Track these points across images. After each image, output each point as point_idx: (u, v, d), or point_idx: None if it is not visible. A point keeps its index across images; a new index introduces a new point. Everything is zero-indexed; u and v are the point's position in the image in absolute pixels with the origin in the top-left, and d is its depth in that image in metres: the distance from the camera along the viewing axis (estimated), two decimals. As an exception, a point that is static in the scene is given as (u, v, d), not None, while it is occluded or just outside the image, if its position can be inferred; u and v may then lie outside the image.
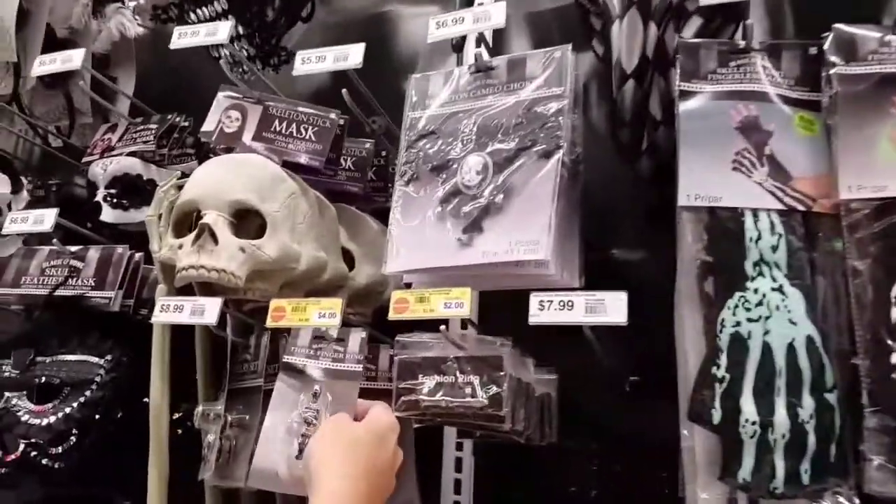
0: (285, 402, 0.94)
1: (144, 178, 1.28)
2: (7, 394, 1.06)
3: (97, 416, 1.05)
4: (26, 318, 1.12)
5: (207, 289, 1.03)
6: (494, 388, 0.83)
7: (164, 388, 1.04)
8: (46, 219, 1.09)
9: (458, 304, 0.79)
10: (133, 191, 1.28)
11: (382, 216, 1.30)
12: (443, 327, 0.85)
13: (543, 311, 0.75)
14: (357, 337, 0.95)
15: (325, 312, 0.89)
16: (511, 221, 0.83)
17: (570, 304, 0.75)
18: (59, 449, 1.04)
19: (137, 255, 1.19)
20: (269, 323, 0.92)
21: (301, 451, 0.89)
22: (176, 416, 1.07)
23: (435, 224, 0.88)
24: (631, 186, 1.15)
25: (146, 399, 1.13)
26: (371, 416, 0.84)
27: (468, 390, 0.84)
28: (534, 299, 0.77)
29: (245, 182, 1.04)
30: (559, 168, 0.83)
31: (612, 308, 0.74)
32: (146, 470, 1.08)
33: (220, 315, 0.94)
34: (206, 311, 0.94)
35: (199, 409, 0.98)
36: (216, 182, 1.04)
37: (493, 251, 0.81)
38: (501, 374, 0.84)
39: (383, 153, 1.36)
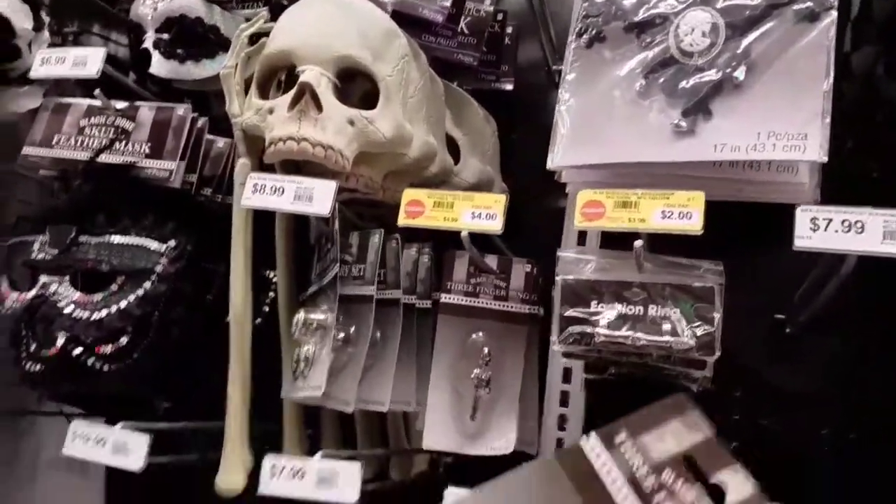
0: (447, 354, 0.82)
1: (206, 22, 1.04)
2: (43, 278, 0.87)
3: (156, 314, 0.86)
4: (62, 189, 0.91)
5: (294, 167, 0.83)
6: (705, 328, 0.65)
7: (247, 289, 0.85)
8: (91, 60, 0.86)
9: (685, 213, 0.59)
10: (190, 38, 1.04)
11: (487, 101, 1.09)
12: (639, 241, 0.65)
13: (816, 232, 0.55)
14: (521, 270, 0.80)
15: (480, 212, 0.68)
16: (759, 104, 0.61)
17: (858, 225, 0.55)
18: (109, 349, 0.86)
19: (201, 120, 0.97)
20: (402, 220, 0.71)
21: (475, 409, 0.78)
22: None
23: (632, 103, 0.67)
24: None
25: (209, 296, 0.95)
26: None
27: (666, 326, 0.66)
28: (803, 215, 0.57)
29: (355, 32, 0.82)
30: (832, 35, 0.61)
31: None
32: (201, 375, 0.93)
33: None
34: (316, 196, 0.73)
35: (301, 316, 0.80)
36: (318, 29, 0.82)
37: (734, 144, 0.61)
38: (713, 309, 0.66)
39: (499, 16, 1.12)
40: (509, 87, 1.14)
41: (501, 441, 0.79)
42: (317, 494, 0.72)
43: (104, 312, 0.84)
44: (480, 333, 0.84)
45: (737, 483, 0.31)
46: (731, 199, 0.67)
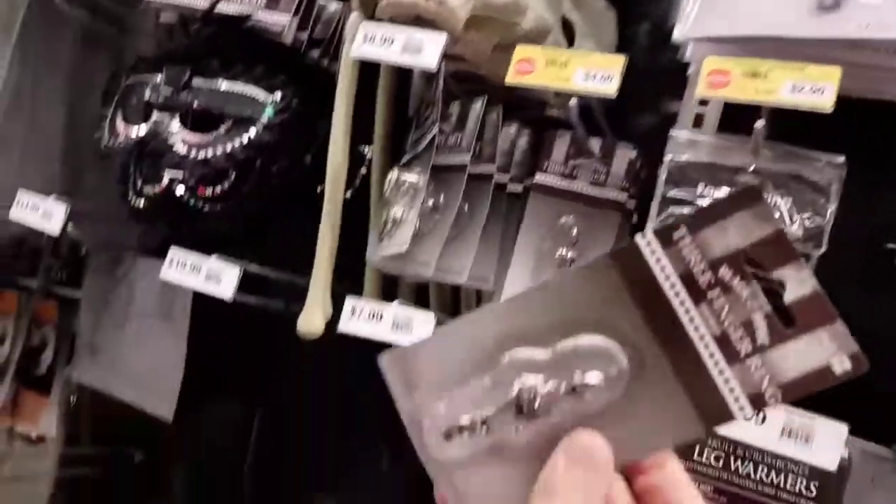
0: (533, 234, 0.80)
1: None
2: (156, 115, 0.91)
3: (259, 162, 0.89)
4: (181, 34, 0.94)
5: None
6: (816, 219, 0.62)
7: (346, 145, 0.86)
8: None
9: (817, 88, 0.56)
10: None
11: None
12: (760, 122, 0.62)
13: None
14: (625, 156, 0.76)
15: (595, 72, 0.66)
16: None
17: None
18: (211, 191, 0.90)
19: (316, -21, 0.98)
20: (512, 77, 0.70)
21: None
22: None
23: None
24: None
25: (308, 156, 0.98)
26: None
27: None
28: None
29: None
30: None
31: None
32: (293, 231, 0.95)
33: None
34: (425, 48, 0.73)
35: (395, 174, 0.81)
36: None
37: (885, 21, 0.56)
38: (825, 202, 0.62)
39: None
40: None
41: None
42: (392, 337, 0.74)
43: (210, 152, 0.87)
44: (571, 217, 0.83)
45: (798, 280, 0.29)
46: (868, 94, 0.62)
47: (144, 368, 1.26)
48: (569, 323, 0.31)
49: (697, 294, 0.30)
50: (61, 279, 1.34)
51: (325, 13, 1.05)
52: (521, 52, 0.66)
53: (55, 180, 1.18)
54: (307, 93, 0.93)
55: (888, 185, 0.89)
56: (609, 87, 0.62)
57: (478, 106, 0.82)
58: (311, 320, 0.83)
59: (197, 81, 0.90)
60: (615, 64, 0.62)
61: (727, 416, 0.30)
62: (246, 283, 0.91)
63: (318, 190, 0.99)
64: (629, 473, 0.32)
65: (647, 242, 0.30)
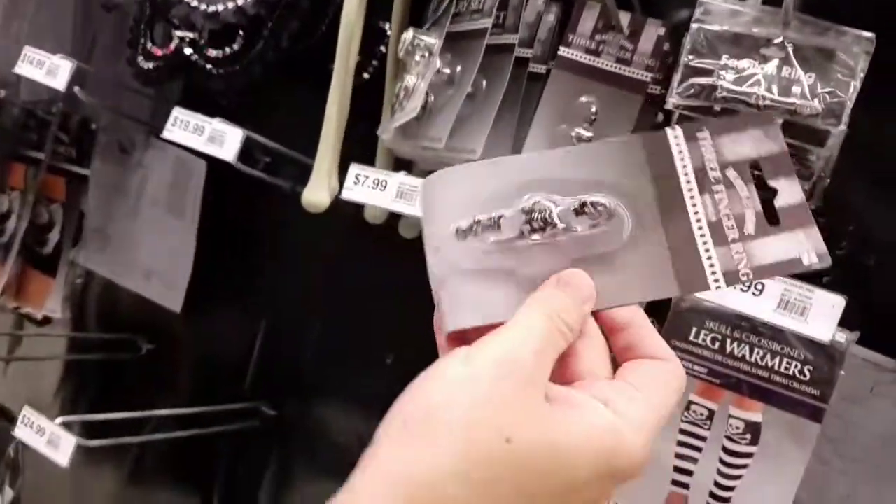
0: (551, 112, 0.78)
1: None
2: (168, -31, 0.89)
3: (270, 23, 0.87)
4: None
5: None
6: (839, 95, 0.60)
7: (361, 13, 0.83)
8: None
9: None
10: None
11: None
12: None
13: None
14: (653, 33, 0.73)
15: None
16: None
17: None
18: (220, 53, 0.89)
19: None
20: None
21: None
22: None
23: None
24: None
25: (322, 27, 0.95)
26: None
27: (796, 89, 0.61)
28: None
29: None
30: None
31: None
32: (298, 108, 0.94)
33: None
34: None
35: (409, 34, 0.78)
36: None
37: None
38: (852, 79, 0.61)
39: None
40: None
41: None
42: (395, 205, 0.74)
43: (220, 6, 0.85)
44: (592, 96, 0.81)
45: (791, 191, 0.34)
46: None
47: (154, 259, 1.28)
48: (590, 183, 0.35)
49: (704, 185, 0.35)
50: (71, 156, 1.33)
51: None
52: None
53: (66, 43, 1.16)
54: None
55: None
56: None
57: (495, -32, 0.79)
58: (315, 194, 0.82)
59: (209, -67, 0.88)
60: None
61: (703, 285, 0.34)
62: (250, 158, 0.91)
63: (331, 67, 0.97)
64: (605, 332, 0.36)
65: (674, 134, 0.35)
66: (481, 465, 0.29)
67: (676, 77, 0.65)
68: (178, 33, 0.89)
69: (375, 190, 0.76)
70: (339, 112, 0.84)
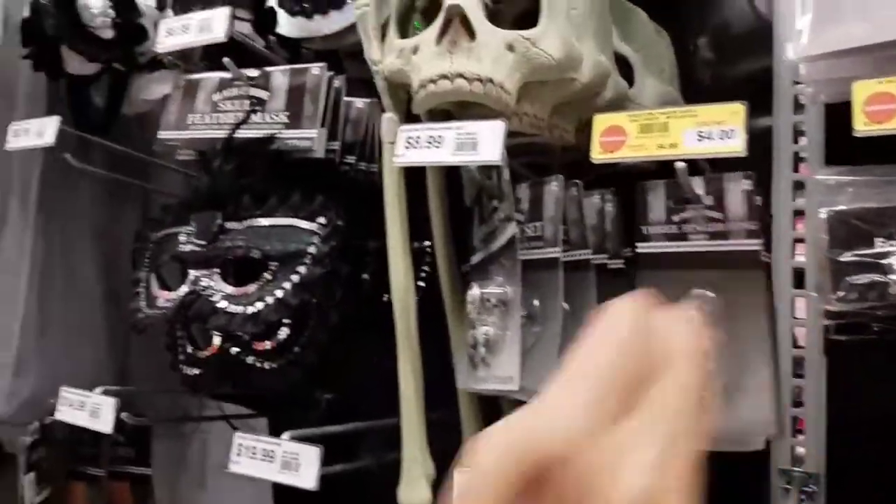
0: None
1: (332, -33, 0.99)
2: (192, 272, 0.85)
3: (315, 301, 0.82)
4: (203, 170, 0.89)
5: (443, 117, 0.76)
6: None
7: (408, 264, 0.79)
8: (216, 21, 0.82)
9: None
10: (316, -13, 0.99)
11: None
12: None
13: None
14: (737, 189, 0.64)
15: (709, 130, 0.55)
16: None
17: None
18: (268, 345, 0.83)
19: (338, 80, 0.92)
20: (599, 155, 0.60)
21: None
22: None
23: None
24: None
25: (365, 275, 0.91)
26: None
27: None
28: None
29: (506, -64, 0.72)
30: None
31: None
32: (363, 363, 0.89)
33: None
34: (482, 142, 0.65)
35: (476, 292, 0.72)
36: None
37: None
38: None
39: None
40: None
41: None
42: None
43: (260, 305, 0.81)
44: (697, 290, 0.71)
45: None
46: None
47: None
48: None
49: None
50: (130, 457, 1.30)
51: (351, 111, 0.99)
52: (603, 120, 0.57)
53: (102, 360, 1.16)
54: (351, 208, 0.87)
55: None
56: (734, 144, 0.51)
57: (554, 187, 0.73)
58: (413, 493, 0.74)
59: (230, 225, 0.85)
60: (735, 115, 0.51)
61: None
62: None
63: (385, 298, 0.91)
64: None
65: None
66: None
67: (827, 278, 0.55)
68: (219, 332, 0.84)
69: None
70: (415, 387, 0.77)
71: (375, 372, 0.85)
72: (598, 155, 0.59)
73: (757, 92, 0.96)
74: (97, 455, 1.28)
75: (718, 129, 0.54)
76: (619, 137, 0.58)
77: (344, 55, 1.09)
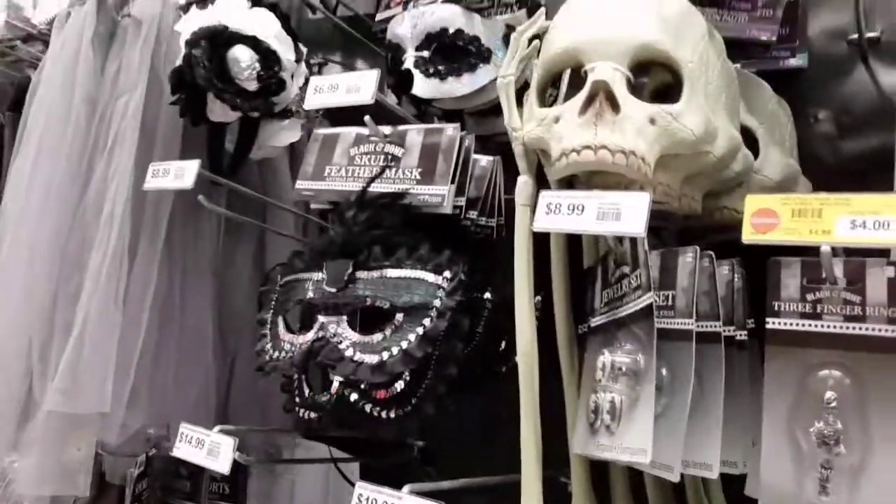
0: (782, 399, 0.70)
1: (467, 34, 1.04)
2: (321, 318, 0.90)
3: (437, 354, 0.85)
4: (337, 221, 0.94)
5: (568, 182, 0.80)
6: None
7: (534, 325, 0.81)
8: (364, 85, 0.88)
9: None
10: (451, 52, 1.05)
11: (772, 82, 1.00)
12: None
13: None
14: (880, 276, 0.65)
15: (863, 219, 0.57)
16: None
17: None
18: (386, 393, 0.86)
19: (468, 139, 0.97)
20: (750, 236, 0.62)
21: (824, 487, 0.64)
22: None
23: None
24: None
25: (479, 330, 0.94)
26: None
27: None
28: None
29: (653, 15, 0.77)
30: None
31: None
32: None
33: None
34: (625, 212, 0.67)
35: (607, 358, 0.74)
36: (611, 19, 0.78)
37: None
38: None
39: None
40: (803, 63, 1.06)
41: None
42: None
43: (385, 355, 0.84)
44: (827, 371, 0.72)
45: None
46: None
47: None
48: None
49: None
50: (224, 492, 1.34)
51: (476, 168, 1.04)
52: (755, 202, 0.59)
53: (206, 396, 1.21)
54: (472, 261, 0.90)
55: None
56: (887, 236, 0.52)
57: (689, 258, 0.75)
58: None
59: (361, 274, 0.89)
60: (888, 206, 0.52)
61: None
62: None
63: (503, 369, 0.95)
64: None
65: None
66: None
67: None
68: (338, 377, 0.88)
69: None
70: (537, 456, 0.79)
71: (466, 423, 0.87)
72: (749, 236, 0.61)
73: (876, 167, 0.97)
74: (195, 490, 1.32)
75: (872, 218, 0.55)
76: (772, 220, 0.60)
77: (468, 114, 1.15)
